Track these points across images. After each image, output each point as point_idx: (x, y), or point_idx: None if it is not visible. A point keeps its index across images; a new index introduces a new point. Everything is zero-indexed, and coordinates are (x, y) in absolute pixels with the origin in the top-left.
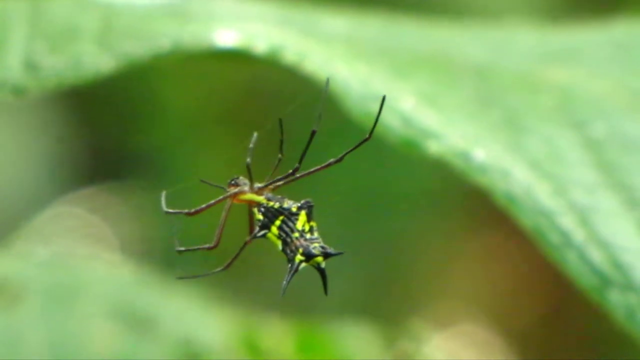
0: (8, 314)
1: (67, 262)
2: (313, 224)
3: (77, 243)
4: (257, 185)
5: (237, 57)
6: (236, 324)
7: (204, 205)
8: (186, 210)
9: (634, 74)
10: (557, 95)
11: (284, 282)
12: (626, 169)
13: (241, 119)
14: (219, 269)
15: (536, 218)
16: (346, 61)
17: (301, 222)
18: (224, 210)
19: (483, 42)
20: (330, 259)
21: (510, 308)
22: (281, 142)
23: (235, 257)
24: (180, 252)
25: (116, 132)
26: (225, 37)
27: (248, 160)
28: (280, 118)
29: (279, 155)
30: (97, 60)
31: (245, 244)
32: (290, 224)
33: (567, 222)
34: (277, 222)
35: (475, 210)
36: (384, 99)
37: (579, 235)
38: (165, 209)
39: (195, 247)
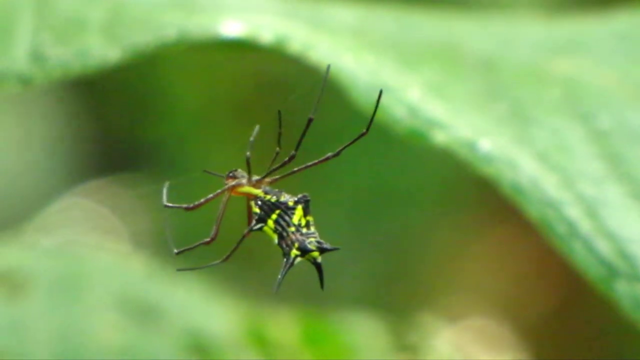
0: (15, 304)
1: (74, 252)
2: (310, 218)
3: (86, 234)
4: (255, 178)
5: (243, 48)
6: (242, 316)
7: (202, 200)
8: (185, 205)
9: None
10: (563, 87)
11: (279, 276)
12: (632, 161)
13: (251, 110)
14: (218, 261)
15: (543, 209)
16: (353, 52)
17: (297, 216)
18: (222, 203)
19: (490, 34)
20: (339, 252)
21: (520, 301)
22: (279, 134)
23: (234, 250)
24: (178, 253)
25: (126, 123)
26: (231, 28)
27: (248, 153)
28: (279, 110)
29: (277, 149)
30: (103, 51)
31: (243, 237)
32: (287, 218)
33: (574, 213)
34: (274, 216)
35: (485, 203)
36: (380, 93)
37: (585, 226)
38: (165, 202)
39: (192, 246)
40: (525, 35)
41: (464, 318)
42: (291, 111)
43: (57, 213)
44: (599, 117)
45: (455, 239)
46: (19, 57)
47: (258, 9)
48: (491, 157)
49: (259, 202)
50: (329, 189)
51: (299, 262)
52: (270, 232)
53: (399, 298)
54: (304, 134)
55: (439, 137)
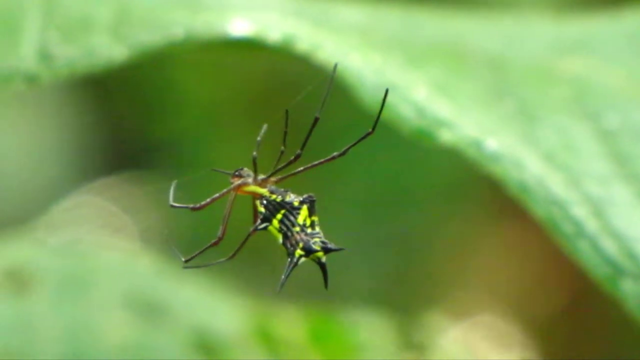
0: (23, 302)
1: (83, 250)
2: (315, 218)
3: (95, 232)
4: (261, 177)
5: (251, 47)
6: (250, 313)
7: (208, 200)
8: (191, 205)
9: None
10: (570, 86)
11: (283, 276)
12: (639, 160)
13: (262, 107)
14: (223, 259)
15: (549, 208)
16: (360, 51)
17: (302, 216)
18: (228, 202)
19: (497, 33)
20: (347, 250)
21: (529, 299)
22: (285, 133)
23: (240, 248)
24: (187, 261)
25: (136, 121)
26: (239, 27)
27: (254, 153)
28: (286, 109)
29: (282, 148)
30: (110, 50)
31: (248, 235)
32: (292, 217)
33: (580, 212)
34: (279, 216)
35: (495, 200)
36: (386, 92)
37: (591, 225)
38: (171, 202)
39: (200, 251)
40: (533, 35)
41: (472, 315)
42: (300, 110)
43: (67, 210)
44: (606, 117)
45: (464, 237)
46: (26, 56)
47: (265, 7)
48: (498, 156)
49: (265, 202)
50: (338, 187)
51: (306, 261)
52: (275, 232)
53: (407, 295)
54: (310, 133)
55: (446, 136)
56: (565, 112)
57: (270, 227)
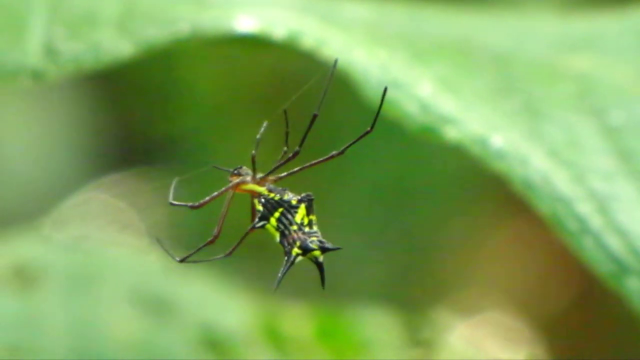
0: (30, 298)
1: (90, 246)
2: (313, 217)
3: (103, 228)
4: (260, 175)
5: (256, 43)
6: (256, 310)
7: (207, 198)
8: (190, 204)
9: None
10: (576, 83)
11: (279, 274)
12: None
13: (269, 103)
14: (221, 255)
15: (553, 204)
16: (365, 47)
17: (300, 215)
18: (226, 200)
19: (503, 30)
20: (353, 247)
21: (537, 295)
22: (286, 134)
23: (237, 245)
24: (181, 261)
25: (144, 118)
26: (244, 23)
27: (253, 151)
28: (284, 110)
29: (284, 148)
30: (116, 45)
31: (246, 233)
32: (290, 216)
33: (585, 209)
34: (276, 214)
35: (502, 196)
36: (385, 90)
37: (596, 222)
38: (170, 200)
39: (196, 249)
40: (539, 32)
41: (479, 312)
42: (304, 106)
43: (74, 207)
44: (612, 113)
45: (471, 233)
46: (32, 52)
47: (270, 3)
48: (503, 153)
49: (262, 200)
50: (344, 185)
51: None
52: (272, 230)
53: (413, 292)
54: (308, 130)
55: (451, 133)
56: (570, 109)
57: (268, 226)
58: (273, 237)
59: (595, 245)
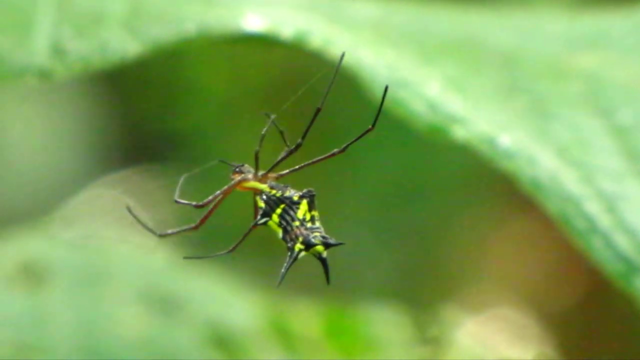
0: (38, 296)
1: (97, 244)
2: (315, 213)
3: (111, 225)
4: (261, 172)
5: (264, 42)
6: (265, 308)
7: (211, 197)
8: (194, 203)
9: None
10: (584, 82)
11: (282, 270)
12: None
13: (278, 100)
14: (224, 252)
15: (562, 204)
16: (373, 47)
17: (302, 211)
18: (220, 193)
19: (511, 29)
20: (362, 244)
21: (545, 292)
22: (281, 133)
23: (240, 242)
24: (162, 236)
25: (153, 114)
26: (252, 22)
27: (257, 148)
28: (273, 116)
29: (286, 147)
30: (123, 44)
31: (249, 230)
32: (292, 212)
33: (593, 208)
34: (278, 211)
35: (511, 192)
36: (386, 89)
37: (604, 221)
38: (176, 198)
39: (177, 231)
40: (547, 30)
41: (488, 309)
42: (311, 102)
43: (82, 204)
44: (620, 112)
45: (479, 230)
46: (39, 51)
47: (277, 3)
48: (511, 153)
49: (264, 197)
50: (352, 181)
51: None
52: (274, 226)
53: (422, 289)
54: (311, 123)
55: (459, 133)
56: (578, 108)
57: (270, 222)
58: (275, 234)
59: (603, 245)
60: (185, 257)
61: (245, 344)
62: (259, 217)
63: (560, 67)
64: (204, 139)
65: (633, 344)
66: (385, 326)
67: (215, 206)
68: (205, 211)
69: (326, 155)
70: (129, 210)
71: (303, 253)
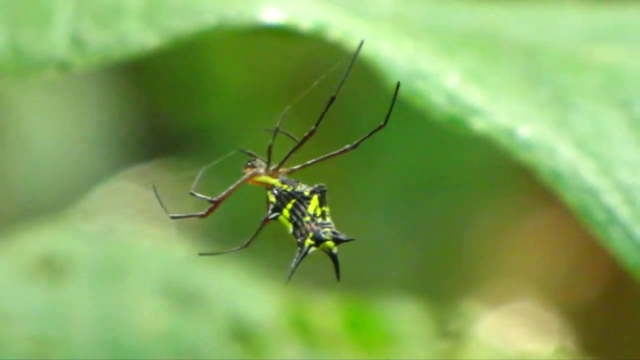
0: (58, 290)
1: (118, 237)
2: (326, 208)
3: (131, 219)
4: (273, 167)
5: (282, 34)
6: (285, 302)
7: (224, 193)
8: (209, 198)
9: None
10: (603, 74)
11: (292, 265)
12: None
13: (297, 92)
14: (237, 247)
15: (581, 195)
16: (391, 39)
17: (313, 206)
18: (233, 186)
19: (530, 21)
20: (382, 239)
21: (565, 285)
22: (276, 130)
23: (254, 237)
24: (173, 218)
25: (172, 108)
26: (270, 14)
27: (270, 142)
28: (288, 107)
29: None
30: (142, 36)
31: (262, 225)
32: (302, 207)
33: (613, 200)
34: (289, 205)
35: (531, 185)
36: (398, 85)
37: (624, 213)
38: (192, 191)
39: (185, 215)
40: (566, 23)
41: (508, 303)
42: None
43: (103, 198)
44: (639, 105)
45: (499, 223)
46: (58, 43)
47: None
48: (530, 144)
49: (275, 192)
50: (371, 175)
51: (340, 252)
52: (285, 221)
53: (442, 283)
54: (325, 111)
55: (478, 124)
56: (597, 100)
57: (281, 217)
58: (286, 229)
59: (623, 236)
60: (200, 254)
61: (265, 338)
62: (269, 211)
63: (580, 59)
64: (224, 132)
65: None
66: (405, 320)
67: (224, 198)
68: (232, 203)
69: (338, 151)
70: (154, 188)
71: (313, 248)
